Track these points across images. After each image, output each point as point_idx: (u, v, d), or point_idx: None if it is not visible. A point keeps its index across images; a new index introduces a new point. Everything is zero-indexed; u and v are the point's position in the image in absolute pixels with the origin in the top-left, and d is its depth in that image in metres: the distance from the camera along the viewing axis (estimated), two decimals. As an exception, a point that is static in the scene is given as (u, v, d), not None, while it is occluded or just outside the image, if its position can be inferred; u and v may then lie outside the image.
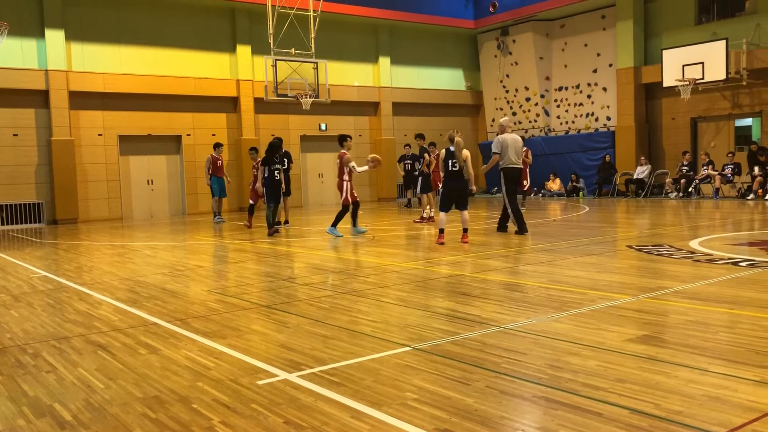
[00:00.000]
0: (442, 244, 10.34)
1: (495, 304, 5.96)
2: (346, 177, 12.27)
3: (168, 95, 19.81)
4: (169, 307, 6.32)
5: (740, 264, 7.51)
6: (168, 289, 7.39)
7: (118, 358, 4.61)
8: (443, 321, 5.35)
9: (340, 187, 12.35)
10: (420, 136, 15.96)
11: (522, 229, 11.34)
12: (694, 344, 4.41)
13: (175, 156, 20.59)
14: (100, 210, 19.14)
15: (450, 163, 10.33)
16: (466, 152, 10.37)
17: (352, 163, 12.34)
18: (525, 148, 16.64)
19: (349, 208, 12.39)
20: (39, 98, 18.09)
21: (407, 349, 4.54)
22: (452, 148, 10.30)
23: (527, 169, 16.96)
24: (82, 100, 18.64)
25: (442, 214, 10.53)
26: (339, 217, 12.39)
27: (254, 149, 15.31)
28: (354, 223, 12.60)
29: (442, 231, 10.52)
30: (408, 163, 18.65)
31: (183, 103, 20.21)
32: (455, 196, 10.42)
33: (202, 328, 5.38)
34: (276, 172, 13.07)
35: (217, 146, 16.86)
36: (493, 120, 25.78)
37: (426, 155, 15.24)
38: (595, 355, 4.24)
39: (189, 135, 20.45)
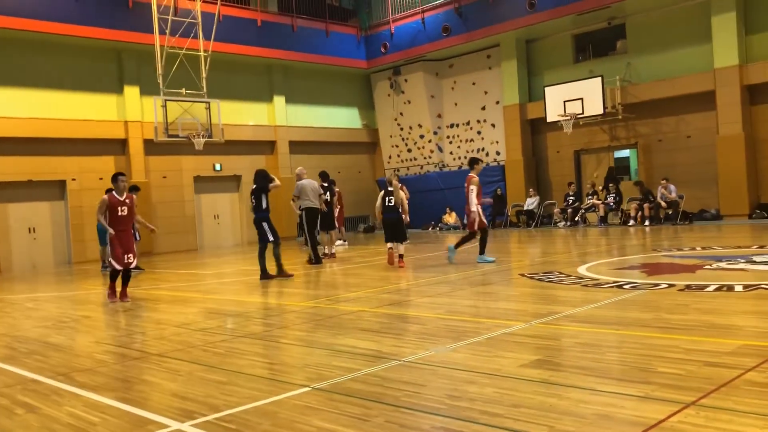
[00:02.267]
0: (402, 267, 11.91)
1: (395, 338, 5.96)
2: (474, 200, 11.52)
3: (51, 138, 18.89)
4: (51, 362, 5.91)
5: (624, 287, 7.90)
6: (50, 342, 6.93)
7: (-9, 420, 4.25)
8: (343, 358, 5.29)
9: (469, 212, 11.65)
10: (323, 175, 15.82)
11: (316, 261, 13.54)
12: (585, 365, 4.56)
13: (60, 202, 19.57)
14: (-24, 262, 17.83)
15: (387, 200, 12.29)
16: (401, 193, 12.52)
17: (473, 188, 11.53)
18: (401, 184, 17.00)
19: (476, 235, 11.72)
20: None
21: (306, 389, 4.44)
22: (390, 188, 12.31)
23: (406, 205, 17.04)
24: (-47, 145, 17.46)
25: (389, 244, 12.24)
26: (466, 240, 11.78)
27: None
28: (482, 251, 11.76)
29: (400, 256, 12.11)
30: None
31: (67, 147, 19.31)
32: (391, 227, 12.26)
33: (88, 382, 5.05)
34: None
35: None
36: (390, 157, 26.22)
37: (336, 191, 15.55)
38: (492, 382, 4.30)
39: (74, 180, 19.53)
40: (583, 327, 5.83)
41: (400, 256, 12.12)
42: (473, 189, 11.58)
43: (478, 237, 11.85)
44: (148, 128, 19.67)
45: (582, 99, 20.04)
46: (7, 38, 18.04)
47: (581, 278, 8.89)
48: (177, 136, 19.00)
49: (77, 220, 19.30)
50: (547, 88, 21.03)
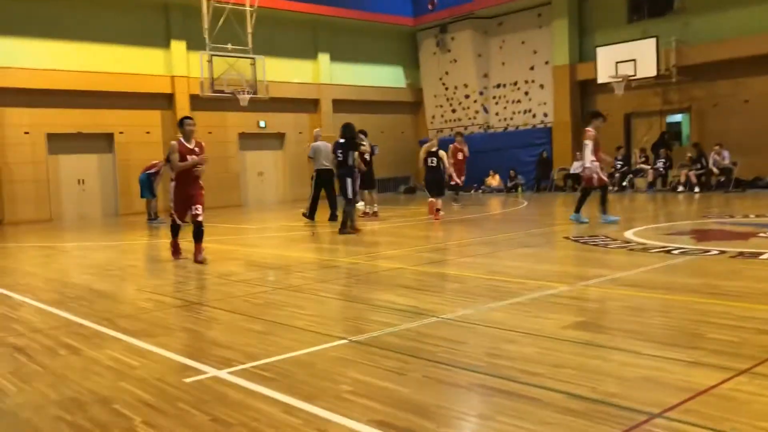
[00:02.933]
0: (437, 219, 13.02)
1: (433, 296, 5.89)
2: (591, 156, 10.89)
3: (99, 92, 19.10)
4: (95, 307, 6.01)
5: (672, 252, 7.66)
6: (96, 288, 7.06)
7: (36, 360, 4.33)
8: (381, 313, 5.24)
9: (584, 167, 11.19)
10: (362, 132, 15.66)
11: (311, 216, 13.93)
12: (630, 329, 4.42)
13: (108, 155, 19.90)
14: (27, 211, 18.31)
15: (429, 160, 13.50)
16: (442, 152, 13.68)
17: (588, 143, 10.93)
18: (463, 144, 17.03)
19: (591, 191, 11.14)
20: (-41, 94, 17.21)
21: (343, 342, 4.41)
22: (434, 149, 13.53)
23: (463, 165, 17.10)
24: (6, 96, 17.79)
25: (432, 198, 13.38)
26: (583, 200, 11.26)
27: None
28: (604, 210, 11.09)
29: (437, 210, 13.24)
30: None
31: (115, 100, 19.53)
32: (434, 184, 13.41)
33: (129, 327, 5.12)
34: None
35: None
36: (434, 117, 25.89)
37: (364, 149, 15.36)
38: (533, 342, 4.20)
39: (122, 133, 19.79)
40: (628, 290, 5.65)
41: (437, 210, 13.24)
42: (588, 144, 10.93)
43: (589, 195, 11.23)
44: (194, 83, 19.73)
45: (635, 60, 19.34)
46: (58, -9, 18.22)
47: (628, 242, 8.65)
48: (222, 92, 19.04)
49: (124, 172, 19.60)
50: (598, 49, 20.35)
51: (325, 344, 4.37)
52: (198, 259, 8.46)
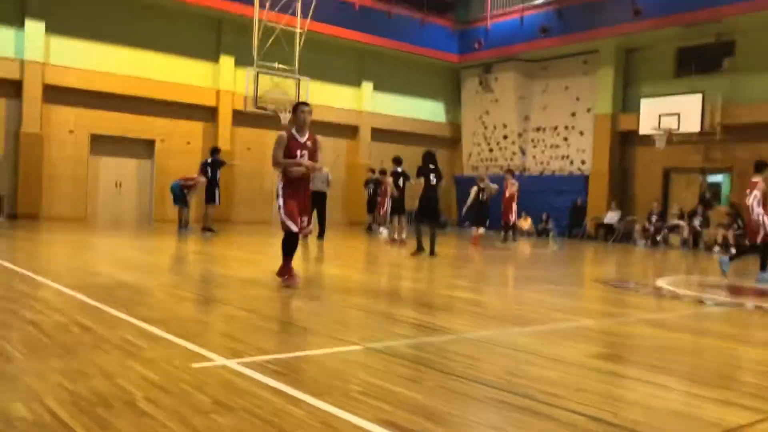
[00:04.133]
0: (476, 245, 14.42)
1: (456, 316, 5.74)
2: (759, 208, 9.73)
3: (145, 98, 19.46)
4: (114, 294, 5.97)
5: (705, 302, 7.39)
6: (117, 279, 7.04)
7: (47, 333, 4.28)
8: (401, 326, 5.10)
9: (749, 220, 9.98)
10: (396, 160, 15.61)
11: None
12: (658, 364, 4.21)
13: (147, 161, 20.18)
14: (64, 208, 18.58)
15: (480, 195, 15.63)
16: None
17: (757, 193, 9.75)
18: (515, 182, 16.79)
19: (758, 248, 9.92)
20: (12, 88, 17.63)
21: (358, 347, 4.27)
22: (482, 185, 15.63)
23: (509, 203, 16.81)
24: (56, 94, 18.21)
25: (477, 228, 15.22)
26: (744, 253, 10.61)
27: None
28: (763, 267, 9.82)
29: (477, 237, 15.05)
30: (371, 187, 18.82)
31: (160, 108, 19.86)
32: (479, 216, 15.79)
33: (145, 314, 5.04)
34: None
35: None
36: (470, 154, 25.83)
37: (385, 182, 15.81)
38: (555, 366, 4.02)
39: (163, 141, 20.08)
40: (658, 330, 5.43)
41: (477, 237, 14.89)
42: (756, 195, 9.77)
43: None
44: (239, 99, 20.00)
45: (679, 114, 19.11)
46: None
47: (659, 289, 8.39)
48: (265, 108, 19.25)
49: (161, 179, 19.81)
50: (643, 100, 20.17)
51: (339, 347, 4.25)
52: (290, 280, 6.83)
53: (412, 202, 12.79)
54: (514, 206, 16.87)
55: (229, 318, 5.20)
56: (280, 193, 6.82)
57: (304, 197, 6.89)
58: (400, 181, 14.67)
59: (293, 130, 6.90)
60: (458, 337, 4.76)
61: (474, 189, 15.94)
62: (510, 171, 18.03)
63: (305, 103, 7.09)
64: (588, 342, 4.86)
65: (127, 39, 19.14)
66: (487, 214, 15.85)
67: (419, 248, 11.45)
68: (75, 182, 18.77)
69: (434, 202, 11.90)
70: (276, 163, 6.84)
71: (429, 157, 12.04)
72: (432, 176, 11.79)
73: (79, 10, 18.39)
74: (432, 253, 11.35)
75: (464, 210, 16.79)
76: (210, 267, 8.91)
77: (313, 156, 6.85)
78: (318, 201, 14.35)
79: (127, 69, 19.10)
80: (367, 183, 19.45)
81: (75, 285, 6.41)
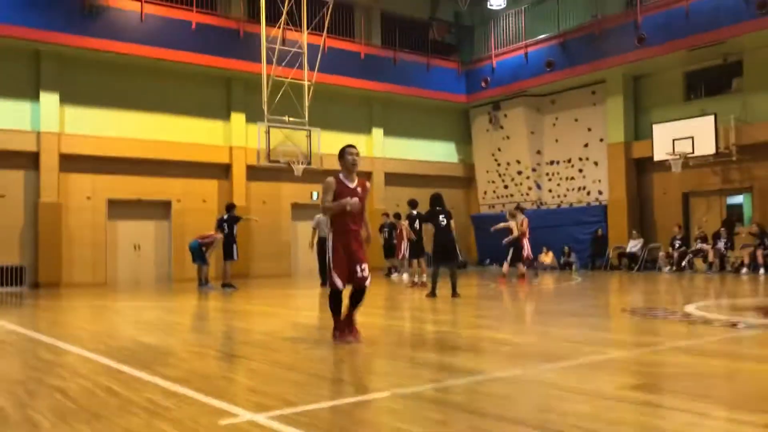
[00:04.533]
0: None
1: (484, 357, 5.64)
2: None
3: (160, 160, 19.75)
4: (137, 356, 5.95)
5: (738, 326, 7.22)
6: (140, 340, 7.02)
7: (73, 399, 4.25)
8: (427, 370, 5.02)
9: None
10: (412, 203, 15.62)
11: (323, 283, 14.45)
12: (694, 392, 4.09)
13: (164, 221, 20.37)
14: (84, 274, 18.73)
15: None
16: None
17: None
18: (523, 218, 16.49)
19: None
20: (29, 160, 17.98)
21: (386, 394, 4.20)
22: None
23: (525, 240, 16.55)
24: (72, 162, 18.55)
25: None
26: None
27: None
28: None
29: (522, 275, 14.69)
30: (386, 231, 18.88)
31: (174, 169, 20.14)
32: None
33: (169, 374, 5.01)
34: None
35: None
36: (485, 193, 25.82)
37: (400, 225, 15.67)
38: (588, 400, 3.91)
39: (179, 201, 20.30)
40: (691, 358, 5.29)
41: (522, 275, 15.03)
42: None
43: None
44: (251, 154, 20.25)
45: (692, 138, 19.02)
46: (126, 63, 19.17)
47: (689, 315, 8.22)
48: (278, 161, 19.45)
49: (179, 239, 19.96)
50: (655, 126, 20.14)
51: (367, 395, 4.18)
52: (354, 335, 6.41)
53: (430, 244, 12.74)
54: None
55: (253, 372, 5.15)
56: (330, 246, 6.41)
57: (358, 246, 6.40)
58: (416, 224, 14.66)
59: (341, 176, 6.45)
60: (486, 377, 4.67)
61: (512, 223, 15.77)
62: (517, 207, 17.60)
63: (352, 146, 6.63)
64: (621, 374, 4.74)
65: (138, 103, 19.53)
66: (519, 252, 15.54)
67: (433, 293, 11.40)
68: (94, 248, 18.94)
69: (451, 242, 11.84)
70: (326, 210, 6.40)
71: (436, 200, 12.04)
72: (441, 217, 11.76)
73: (91, 79, 18.84)
74: (454, 294, 11.27)
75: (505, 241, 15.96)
76: (231, 322, 8.88)
77: (362, 201, 6.45)
78: (323, 247, 14.91)
79: (140, 133, 19.44)
80: (381, 228, 19.50)
81: (98, 349, 6.40)
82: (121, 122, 19.25)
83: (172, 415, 3.77)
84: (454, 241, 12.00)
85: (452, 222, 11.93)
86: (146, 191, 19.75)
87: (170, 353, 6.17)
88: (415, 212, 14.92)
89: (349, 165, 6.46)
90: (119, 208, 19.42)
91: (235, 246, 15.31)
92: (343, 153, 6.55)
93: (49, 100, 18.12)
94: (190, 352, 6.19)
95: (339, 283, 6.24)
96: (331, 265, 6.32)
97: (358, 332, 6.42)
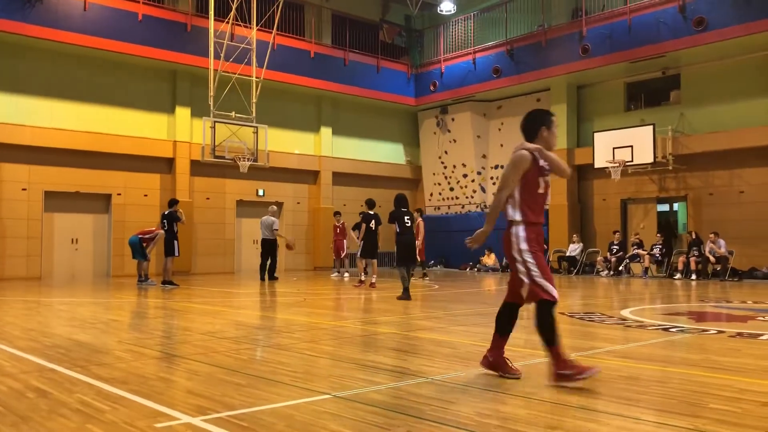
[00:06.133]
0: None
1: (424, 359, 5.68)
2: None
3: (101, 153, 19.23)
4: (71, 355, 5.78)
5: (670, 330, 7.47)
6: (74, 338, 6.82)
7: (0, 401, 4.10)
8: (368, 372, 5.03)
9: None
10: (369, 203, 15.33)
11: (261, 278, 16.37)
12: (627, 396, 4.22)
13: (104, 215, 19.84)
14: (18, 268, 18.07)
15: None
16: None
17: None
18: (419, 221, 16.55)
19: None
20: (-39, 148, 17.28)
21: (327, 396, 4.19)
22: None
23: (420, 243, 16.54)
24: (7, 152, 17.88)
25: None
26: None
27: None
28: None
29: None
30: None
31: (116, 162, 19.64)
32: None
33: (104, 375, 4.89)
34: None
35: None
36: (431, 194, 26.04)
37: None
38: (526, 404, 3.99)
39: (119, 194, 19.80)
40: (625, 362, 5.46)
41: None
42: None
43: None
44: (196, 149, 19.92)
45: (632, 146, 19.62)
46: (67, 53, 18.59)
47: (624, 320, 8.47)
48: (223, 157, 19.20)
49: (119, 233, 19.48)
50: (596, 134, 20.69)
51: (308, 398, 4.15)
52: (584, 372, 4.45)
53: (385, 245, 12.88)
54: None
55: (193, 373, 5.06)
56: (524, 246, 4.64)
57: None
58: (372, 224, 14.62)
59: (535, 153, 4.66)
60: (427, 380, 4.71)
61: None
62: (417, 210, 18.12)
63: (550, 113, 4.86)
64: (557, 377, 4.83)
65: (79, 94, 18.98)
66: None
67: (406, 295, 11.42)
68: (29, 241, 18.32)
69: (413, 244, 12.01)
70: (503, 188, 4.77)
71: (400, 201, 12.09)
72: (407, 219, 11.86)
73: (30, 68, 18.21)
74: (405, 295, 11.39)
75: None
76: (171, 321, 8.71)
77: (548, 188, 4.85)
78: (265, 246, 16.74)
79: (80, 124, 18.89)
80: (335, 228, 19.78)
81: (29, 348, 6.19)
82: (61, 113, 18.66)
83: (106, 418, 3.67)
84: (414, 242, 12.19)
85: (422, 223, 12.16)
86: (86, 184, 19.21)
87: (106, 352, 6.01)
88: (371, 212, 14.81)
89: (549, 142, 4.76)
90: (57, 201, 18.83)
91: (176, 242, 15.03)
92: (546, 118, 4.77)
93: (-18, 87, 17.42)
94: (127, 352, 6.04)
95: (554, 291, 4.64)
96: (538, 273, 4.62)
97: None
